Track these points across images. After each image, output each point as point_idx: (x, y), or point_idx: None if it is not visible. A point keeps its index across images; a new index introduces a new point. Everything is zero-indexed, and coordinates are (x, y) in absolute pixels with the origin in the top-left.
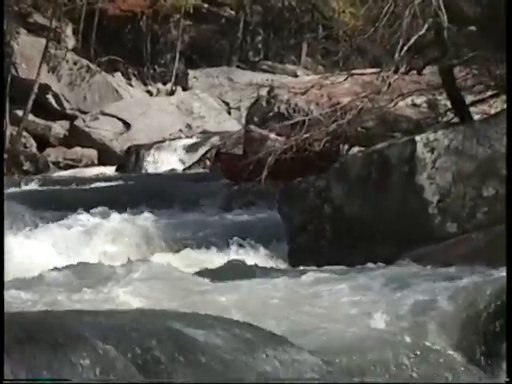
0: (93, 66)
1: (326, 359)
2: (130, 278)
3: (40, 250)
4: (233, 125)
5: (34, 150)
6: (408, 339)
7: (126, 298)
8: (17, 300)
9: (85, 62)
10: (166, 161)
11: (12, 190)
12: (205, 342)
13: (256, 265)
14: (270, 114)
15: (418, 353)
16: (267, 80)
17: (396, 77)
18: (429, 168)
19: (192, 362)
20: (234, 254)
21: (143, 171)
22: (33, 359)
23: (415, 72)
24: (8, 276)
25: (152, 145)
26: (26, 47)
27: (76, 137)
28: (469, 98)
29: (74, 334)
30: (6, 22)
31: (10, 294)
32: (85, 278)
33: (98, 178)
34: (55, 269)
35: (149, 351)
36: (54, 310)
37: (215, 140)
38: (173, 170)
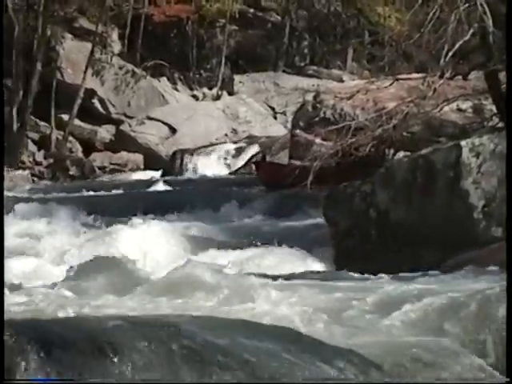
0: (138, 71)
1: None
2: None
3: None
4: (279, 129)
5: (80, 154)
6: None
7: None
8: None
9: (130, 66)
10: (212, 165)
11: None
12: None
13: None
14: (316, 118)
15: None
16: (313, 85)
17: (441, 82)
18: (474, 173)
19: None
20: (279, 258)
21: (189, 175)
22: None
23: (460, 77)
24: None
25: (198, 149)
26: (72, 52)
27: (122, 141)
28: None
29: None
30: (51, 26)
31: None
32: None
33: (143, 183)
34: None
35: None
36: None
37: (261, 145)
38: (219, 174)
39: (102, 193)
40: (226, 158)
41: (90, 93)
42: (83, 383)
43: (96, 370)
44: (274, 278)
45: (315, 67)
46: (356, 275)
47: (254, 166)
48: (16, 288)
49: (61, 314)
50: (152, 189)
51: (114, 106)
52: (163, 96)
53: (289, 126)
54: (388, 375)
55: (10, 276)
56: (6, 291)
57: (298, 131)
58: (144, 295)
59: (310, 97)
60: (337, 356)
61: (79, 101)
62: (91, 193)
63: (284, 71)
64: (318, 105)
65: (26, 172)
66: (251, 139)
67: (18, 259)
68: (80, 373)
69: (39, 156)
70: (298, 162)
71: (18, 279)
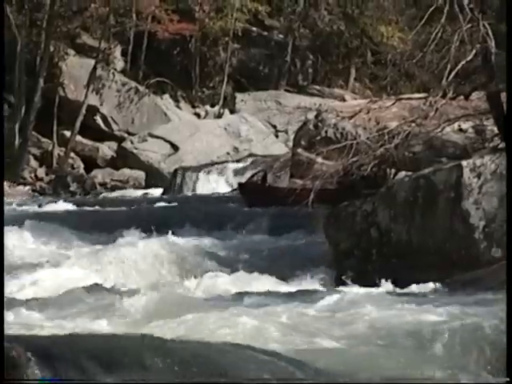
0: (141, 88)
1: None
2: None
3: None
4: (280, 148)
5: (82, 170)
6: None
7: None
8: None
9: (133, 83)
10: (214, 183)
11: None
12: None
13: None
14: (318, 137)
15: None
16: (315, 104)
17: (443, 102)
18: (475, 193)
19: None
20: (281, 277)
21: (190, 193)
22: None
23: (462, 97)
24: None
25: (199, 167)
26: (75, 68)
27: (124, 158)
28: None
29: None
30: (54, 42)
31: None
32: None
33: (144, 200)
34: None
35: None
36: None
37: (262, 163)
38: (220, 192)
39: (100, 209)
40: (227, 176)
41: (93, 109)
42: (83, 383)
43: None
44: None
45: (317, 86)
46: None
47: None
48: None
49: None
50: (152, 206)
51: (116, 122)
52: (165, 113)
53: (290, 144)
54: None
55: None
56: None
57: (299, 150)
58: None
59: (311, 115)
60: None
61: (81, 117)
62: (90, 208)
63: (286, 90)
64: (319, 124)
65: (27, 188)
66: (253, 158)
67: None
68: None
69: (41, 172)
70: (299, 181)
71: None
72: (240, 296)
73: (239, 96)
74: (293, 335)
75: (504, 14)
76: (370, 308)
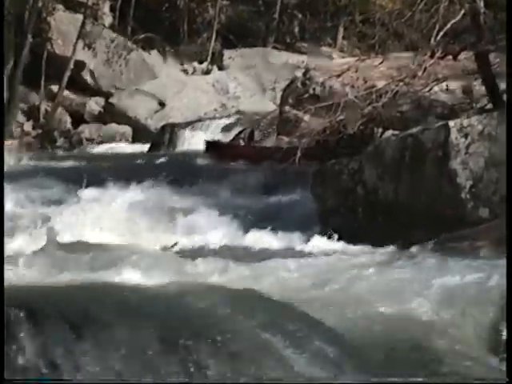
0: (129, 44)
1: None
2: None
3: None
4: (267, 105)
5: (69, 126)
6: None
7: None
8: None
9: (121, 39)
10: (201, 140)
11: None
12: None
13: None
14: (305, 95)
15: None
16: (303, 62)
17: (432, 61)
18: (462, 153)
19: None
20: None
21: (178, 149)
22: None
23: (451, 57)
24: None
25: (187, 124)
26: (63, 23)
27: (111, 114)
28: (503, 85)
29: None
30: None
31: None
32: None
33: (131, 156)
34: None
35: None
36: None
37: (250, 120)
38: None
39: (86, 164)
40: (214, 133)
41: (80, 65)
42: (83, 383)
43: None
44: None
45: (305, 44)
46: None
47: (242, 141)
48: None
49: None
50: (138, 161)
51: (103, 78)
52: (153, 69)
53: (278, 101)
54: None
55: None
56: None
57: (286, 107)
58: None
59: (299, 73)
60: None
61: (69, 72)
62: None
63: (274, 47)
64: (307, 81)
65: (15, 141)
66: (240, 114)
67: None
68: None
69: (28, 126)
70: (285, 138)
71: None
72: None
73: (227, 53)
74: None
75: None
76: None
